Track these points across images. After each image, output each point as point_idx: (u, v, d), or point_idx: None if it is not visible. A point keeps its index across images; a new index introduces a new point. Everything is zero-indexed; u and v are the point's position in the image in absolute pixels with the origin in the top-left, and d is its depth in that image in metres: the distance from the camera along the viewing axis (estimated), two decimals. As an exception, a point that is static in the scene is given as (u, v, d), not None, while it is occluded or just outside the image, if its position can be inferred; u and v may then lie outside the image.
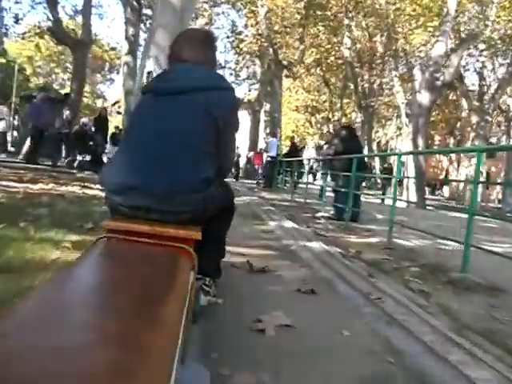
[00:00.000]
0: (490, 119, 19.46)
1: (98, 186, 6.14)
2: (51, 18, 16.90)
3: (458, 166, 29.61)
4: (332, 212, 6.95)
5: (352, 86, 22.77)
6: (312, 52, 19.77)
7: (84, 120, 10.03)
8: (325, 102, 27.84)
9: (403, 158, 19.82)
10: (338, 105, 26.75)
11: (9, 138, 16.74)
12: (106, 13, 58.64)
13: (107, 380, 0.46)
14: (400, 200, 13.46)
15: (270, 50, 16.29)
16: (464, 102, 22.81)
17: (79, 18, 18.82)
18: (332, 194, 8.18)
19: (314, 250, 3.37)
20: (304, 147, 31.30)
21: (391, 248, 4.27)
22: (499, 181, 25.06)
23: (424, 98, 14.25)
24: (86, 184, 6.13)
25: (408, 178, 13.93)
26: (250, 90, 22.79)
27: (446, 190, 33.30)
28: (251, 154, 18.99)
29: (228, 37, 21.23)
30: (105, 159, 10.30)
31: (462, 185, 26.86)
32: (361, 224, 6.22)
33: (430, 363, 1.53)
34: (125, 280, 0.81)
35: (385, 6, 17.88)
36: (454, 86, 16.95)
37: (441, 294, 2.65)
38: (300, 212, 6.98)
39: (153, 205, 1.40)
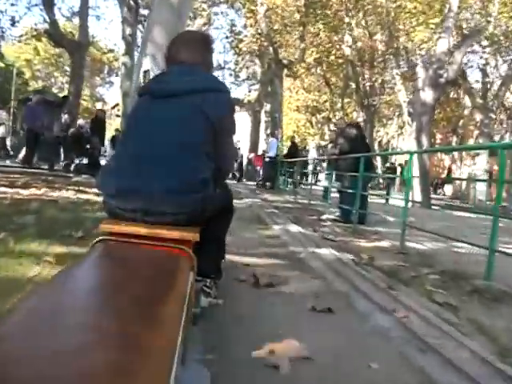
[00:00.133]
0: (493, 117, 19.15)
1: (94, 190, 5.88)
2: (48, 20, 16.73)
3: (461, 164, 29.35)
4: (337, 214, 6.68)
5: (353, 85, 22.49)
6: (312, 52, 19.50)
7: (80, 122, 9.75)
8: (325, 101, 27.54)
9: (407, 157, 19.65)
10: (339, 104, 26.45)
11: (8, 143, 16.48)
12: (104, 14, 58.30)
13: (107, 381, 0.46)
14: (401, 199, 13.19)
15: (270, 49, 16.00)
16: (467, 100, 22.56)
17: (76, 20, 18.55)
18: (336, 195, 7.93)
19: (325, 258, 3.09)
20: (305, 147, 31.12)
21: (404, 253, 4.00)
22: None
23: (427, 95, 13.98)
24: (80, 188, 5.86)
25: (417, 177, 13.65)
26: (249, 91, 22.54)
27: (447, 189, 33.00)
28: (252, 155, 18.74)
29: (227, 37, 21.01)
30: (104, 162, 10.02)
31: (463, 183, 26.61)
32: (368, 226, 5.96)
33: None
34: (123, 282, 0.81)
35: (385, 4, 17.62)
36: (458, 84, 16.66)
37: (468, 306, 2.38)
38: (304, 214, 6.71)
39: (151, 207, 1.40)
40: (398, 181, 19.34)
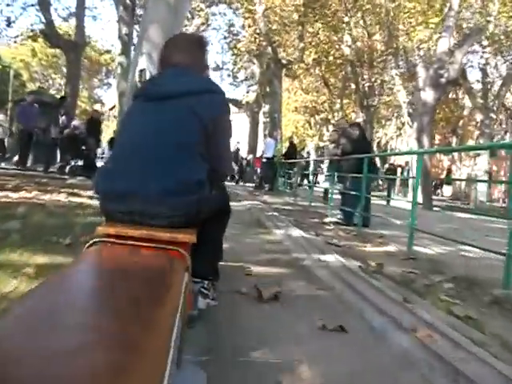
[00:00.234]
0: (494, 117, 18.99)
1: (87, 193, 5.67)
2: (43, 20, 16.54)
3: (460, 165, 29.20)
4: (339, 216, 6.48)
5: (352, 86, 22.32)
6: (310, 52, 19.32)
7: (75, 123, 9.50)
8: (323, 102, 27.35)
9: (407, 158, 19.52)
10: (338, 105, 26.26)
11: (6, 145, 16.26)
12: (100, 14, 58.14)
13: (100, 381, 0.46)
14: (398, 200, 13.03)
15: (269, 48, 15.79)
16: (466, 100, 22.40)
17: (72, 21, 18.34)
18: (336, 197, 7.74)
19: (331, 266, 2.89)
20: (303, 149, 30.90)
21: (413, 258, 3.81)
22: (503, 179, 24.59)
23: (428, 95, 13.80)
24: (74, 191, 5.65)
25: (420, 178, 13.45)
26: (248, 92, 22.33)
27: (446, 190, 32.82)
28: (250, 156, 18.55)
29: (225, 37, 20.83)
30: (102, 164, 9.73)
31: (462, 184, 26.42)
32: (372, 229, 5.76)
33: None
34: (117, 283, 0.81)
35: (384, 4, 17.46)
36: (459, 83, 16.49)
37: (491, 320, 2.18)
38: (306, 217, 6.51)
39: (146, 209, 1.40)
40: (398, 182, 19.16)
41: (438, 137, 33.05)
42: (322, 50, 19.50)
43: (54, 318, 0.60)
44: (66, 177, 8.73)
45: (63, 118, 10.06)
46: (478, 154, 18.43)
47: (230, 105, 1.71)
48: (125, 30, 11.29)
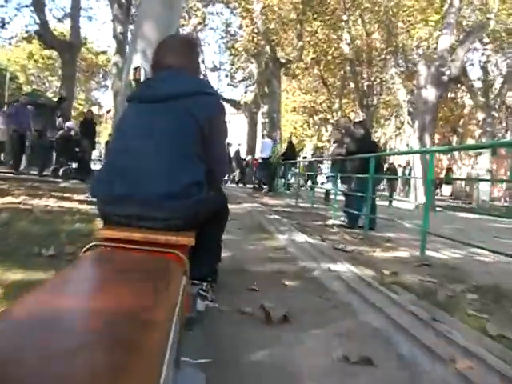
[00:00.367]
0: (496, 115, 18.74)
1: (79, 198, 5.39)
2: (38, 21, 16.29)
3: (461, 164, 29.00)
4: (343, 218, 6.22)
5: (352, 85, 22.08)
6: (309, 52, 19.07)
7: (69, 124, 9.20)
8: (322, 102, 27.09)
9: (406, 157, 19.25)
10: (337, 105, 25.99)
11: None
12: (96, 15, 57.84)
13: (98, 383, 0.46)
14: (399, 201, 12.79)
15: (267, 47, 15.51)
16: (466, 99, 22.15)
17: (68, 22, 18.08)
18: (337, 198, 7.48)
19: (343, 276, 2.61)
20: (302, 149, 30.61)
21: (427, 264, 3.54)
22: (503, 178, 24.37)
23: (430, 93, 13.55)
24: (65, 195, 5.37)
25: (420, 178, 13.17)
26: (246, 92, 22.05)
27: (445, 190, 32.57)
28: (249, 157, 18.27)
29: (222, 37, 20.57)
30: (99, 167, 9.52)
31: (462, 183, 26.19)
32: (378, 232, 5.51)
33: None
34: (115, 286, 0.81)
35: (383, 1, 17.22)
36: (460, 81, 16.24)
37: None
38: (308, 220, 6.24)
39: (144, 212, 1.39)
40: (399, 182, 18.91)
41: (437, 136, 32.83)
42: (320, 49, 19.26)
43: (52, 319, 0.60)
44: (59, 180, 8.44)
45: (60, 119, 9.79)
46: (480, 153, 18.19)
47: (228, 106, 1.62)
48: (119, 28, 11.01)
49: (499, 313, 2.34)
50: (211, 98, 1.62)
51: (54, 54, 20.77)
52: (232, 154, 16.60)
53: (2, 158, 12.71)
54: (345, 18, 17.51)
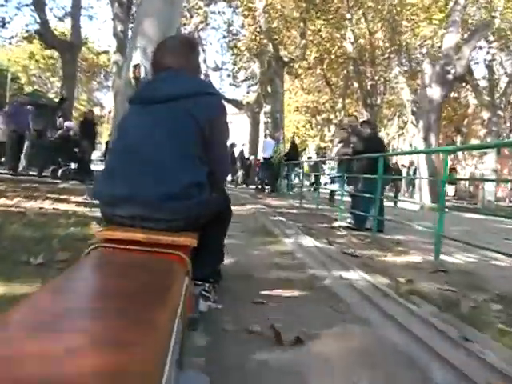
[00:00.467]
0: (502, 114, 18.49)
1: (77, 199, 5.20)
2: (38, 20, 16.15)
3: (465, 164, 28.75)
4: (349, 220, 6.01)
5: (355, 85, 21.86)
6: (312, 51, 18.87)
7: (68, 124, 9.01)
8: (325, 102, 26.86)
9: (411, 157, 19.01)
10: (340, 105, 25.75)
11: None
12: (96, 14, 57.71)
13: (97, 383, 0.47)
14: (404, 201, 12.57)
15: (270, 46, 15.30)
16: (470, 98, 21.89)
17: (68, 21, 17.94)
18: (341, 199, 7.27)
19: (356, 285, 2.41)
20: (304, 149, 30.34)
21: (443, 270, 3.34)
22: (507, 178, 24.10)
23: (435, 92, 13.35)
24: (62, 197, 5.18)
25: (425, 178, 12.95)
26: (248, 92, 21.85)
27: (448, 190, 32.29)
28: (252, 157, 18.07)
29: (224, 37, 20.39)
30: (100, 167, 9.36)
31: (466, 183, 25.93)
32: (386, 234, 5.31)
33: None
34: (117, 287, 0.81)
35: (387, 0, 17.01)
36: (466, 80, 16.00)
37: None
38: (314, 221, 6.04)
39: (146, 213, 1.39)
40: (403, 182, 18.69)
41: (440, 136, 32.53)
42: (323, 48, 19.06)
43: (54, 320, 0.60)
44: (58, 181, 8.26)
45: (60, 119, 9.62)
46: (485, 153, 17.96)
47: (231, 106, 1.50)
48: (120, 27, 10.84)
49: (528, 326, 2.14)
50: (212, 99, 1.61)
51: (56, 54, 20.64)
52: (236, 155, 16.36)
53: (3, 159, 12.58)
54: (348, 16, 17.29)
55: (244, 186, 15.81)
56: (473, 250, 4.19)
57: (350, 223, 5.87)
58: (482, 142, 16.00)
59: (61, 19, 18.63)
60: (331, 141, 28.69)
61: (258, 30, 15.99)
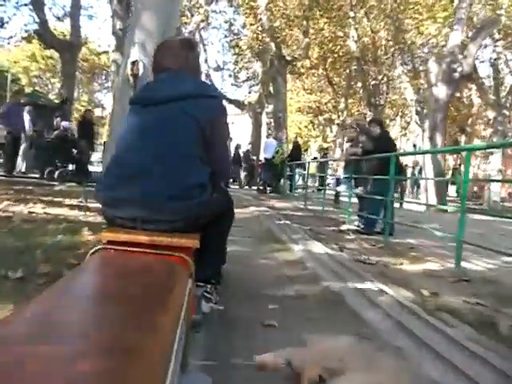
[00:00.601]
0: (507, 113, 18.20)
1: (71, 202, 4.93)
2: (37, 20, 15.94)
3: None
4: (356, 223, 5.74)
5: (358, 84, 21.59)
6: (314, 49, 18.61)
7: (65, 124, 8.74)
8: (327, 102, 26.59)
9: (415, 157, 18.72)
10: (343, 105, 25.47)
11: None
12: (96, 14, 57.52)
13: None
14: (409, 202, 12.29)
15: (272, 44, 15.02)
16: (474, 97, 21.59)
17: (68, 21, 17.72)
18: (346, 200, 6.99)
19: (378, 301, 2.13)
20: (306, 150, 30.04)
21: (466, 280, 3.07)
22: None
23: (441, 91, 13.07)
24: (56, 199, 4.91)
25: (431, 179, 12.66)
26: (250, 92, 21.58)
27: (450, 190, 31.98)
28: (254, 158, 17.79)
29: (226, 36, 20.15)
30: (99, 168, 9.19)
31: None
32: (396, 238, 5.03)
33: None
34: (121, 290, 0.81)
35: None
36: (472, 78, 15.71)
37: None
38: (321, 225, 5.77)
39: (146, 215, 1.39)
40: (408, 183, 18.40)
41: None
42: (326, 47, 18.82)
43: (58, 322, 0.60)
44: (54, 183, 7.99)
45: (57, 119, 9.34)
46: (492, 153, 17.68)
47: (232, 106, 1.29)
48: (119, 24, 10.57)
49: None
50: (212, 100, 1.61)
51: (56, 54, 20.45)
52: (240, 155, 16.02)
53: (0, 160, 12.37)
54: (352, 14, 17.03)
55: (247, 187, 15.48)
56: (491, 254, 3.93)
57: (358, 226, 5.61)
58: (504, 141, 15.55)
59: (60, 19, 18.40)
60: (333, 141, 28.43)
61: (260, 28, 15.74)
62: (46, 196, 5.33)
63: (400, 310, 2.00)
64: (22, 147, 9.47)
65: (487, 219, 10.26)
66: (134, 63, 5.89)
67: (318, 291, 2.33)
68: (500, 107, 17.44)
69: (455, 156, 31.05)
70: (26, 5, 17.43)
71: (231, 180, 15.24)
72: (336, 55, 19.57)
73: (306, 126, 32.21)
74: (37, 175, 9.22)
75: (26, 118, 9.22)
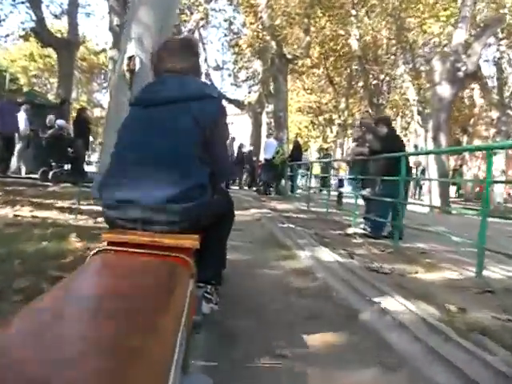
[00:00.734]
0: (511, 113, 17.96)
1: (62, 204, 4.66)
2: (34, 18, 15.71)
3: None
4: (362, 226, 5.47)
5: (359, 84, 21.36)
6: (315, 48, 18.38)
7: (60, 122, 8.45)
8: (328, 102, 26.35)
9: (417, 158, 18.47)
10: (343, 104, 25.21)
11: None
12: (94, 11, 57.25)
13: None
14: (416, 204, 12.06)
15: (273, 43, 14.76)
16: (477, 98, 21.35)
17: (65, 19, 17.48)
18: (350, 201, 6.74)
19: (401, 320, 1.87)
20: (306, 150, 29.75)
21: (490, 291, 2.81)
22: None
23: (445, 90, 12.82)
24: (46, 201, 4.63)
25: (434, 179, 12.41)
26: (249, 92, 21.32)
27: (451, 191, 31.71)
28: (254, 158, 17.54)
29: (225, 35, 19.90)
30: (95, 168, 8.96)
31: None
32: (406, 242, 4.77)
33: None
34: (121, 291, 0.80)
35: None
36: (477, 77, 15.47)
37: None
38: (326, 228, 5.51)
39: (147, 216, 1.39)
40: (411, 184, 18.16)
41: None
42: (327, 46, 18.59)
43: (59, 324, 0.60)
44: (48, 184, 7.71)
45: (51, 117, 9.05)
46: (495, 153, 17.45)
47: (232, 106, 1.59)
48: (116, 20, 10.31)
49: None
50: (212, 101, 1.61)
51: (54, 53, 20.20)
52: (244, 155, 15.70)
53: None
54: (353, 12, 16.80)
55: (247, 188, 15.18)
56: (504, 260, 3.67)
57: (365, 230, 5.34)
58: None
59: (57, 17, 18.15)
60: (334, 142, 28.19)
61: (261, 26, 15.49)
62: (36, 197, 5.06)
63: (427, 330, 1.73)
64: (18, 147, 9.25)
65: (491, 221, 9.99)
66: (130, 58, 5.64)
67: (333, 308, 2.04)
68: (504, 107, 17.21)
69: (456, 157, 30.86)
70: (22, 2, 17.21)
71: (234, 180, 14.97)
72: (337, 54, 19.35)
73: (306, 127, 31.96)
74: (35, 176, 8.96)
75: (23, 116, 8.97)
